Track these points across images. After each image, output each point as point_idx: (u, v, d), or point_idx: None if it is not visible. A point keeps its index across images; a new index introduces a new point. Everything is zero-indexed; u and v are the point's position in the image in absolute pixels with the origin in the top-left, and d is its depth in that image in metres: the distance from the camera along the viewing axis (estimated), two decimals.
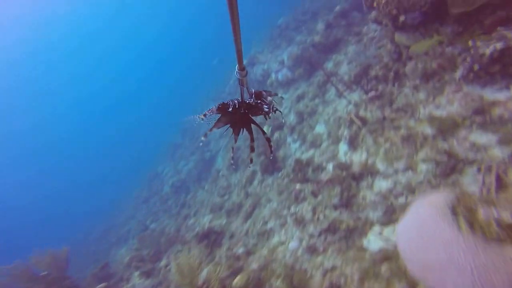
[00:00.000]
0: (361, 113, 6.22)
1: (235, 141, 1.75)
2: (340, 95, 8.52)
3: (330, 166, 5.80)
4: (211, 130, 1.64)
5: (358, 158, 5.33)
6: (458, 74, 4.22)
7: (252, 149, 1.75)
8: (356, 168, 5.12)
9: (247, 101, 1.62)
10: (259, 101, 1.66)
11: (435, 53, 5.03)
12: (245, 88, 1.44)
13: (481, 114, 3.75)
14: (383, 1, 4.76)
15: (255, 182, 9.44)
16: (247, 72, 1.23)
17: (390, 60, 6.48)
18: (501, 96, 3.77)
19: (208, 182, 13.03)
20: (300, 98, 10.81)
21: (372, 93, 5.93)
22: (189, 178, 15.30)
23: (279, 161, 9.14)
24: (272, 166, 9.05)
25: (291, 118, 9.93)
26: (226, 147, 13.86)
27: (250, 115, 1.68)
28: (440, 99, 4.74)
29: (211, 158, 14.99)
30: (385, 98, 5.83)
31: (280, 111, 1.74)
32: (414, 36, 5.29)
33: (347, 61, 9.83)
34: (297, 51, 12.07)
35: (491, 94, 4.00)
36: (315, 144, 7.91)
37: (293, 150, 8.95)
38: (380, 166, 4.78)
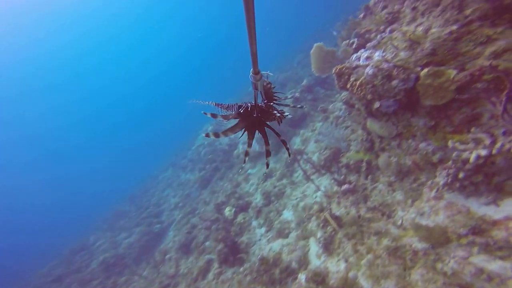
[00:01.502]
0: (334, 207, 5.73)
1: (250, 145, 1.69)
2: (307, 179, 8.19)
3: (302, 278, 4.92)
4: (226, 135, 1.57)
5: (335, 268, 4.57)
6: (441, 180, 3.96)
7: (268, 154, 1.75)
8: (334, 283, 4.31)
9: (260, 105, 1.64)
10: (271, 105, 1.69)
11: (409, 147, 4.90)
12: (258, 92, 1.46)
13: (480, 235, 3.35)
14: (357, 84, 4.66)
15: (210, 275, 8.04)
16: (261, 75, 1.25)
17: (361, 148, 6.35)
18: (492, 212, 3.47)
19: (150, 265, 11.06)
20: (267, 176, 10.40)
21: (345, 187, 5.54)
22: (128, 254, 12.78)
23: (241, 248, 8.03)
24: (233, 255, 7.88)
25: (258, 199, 9.24)
26: (180, 222, 12.41)
27: (263, 119, 1.69)
28: (420, 204, 4.40)
29: (160, 232, 13.17)
30: (359, 194, 5.45)
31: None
32: (387, 126, 5.19)
33: (315, 139, 9.91)
34: None
35: (478, 207, 3.71)
36: (282, 233, 7.11)
37: (259, 236, 8.00)
38: (364, 283, 4.03)
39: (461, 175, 3.67)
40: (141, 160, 29.13)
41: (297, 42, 24.20)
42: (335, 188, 6.23)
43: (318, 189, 7.07)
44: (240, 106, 1.68)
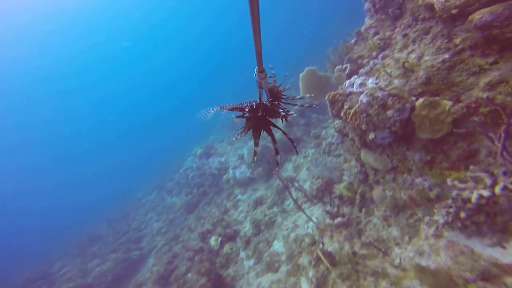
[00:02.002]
0: (327, 241, 5.39)
1: (257, 144, 1.65)
2: (299, 208, 7.86)
3: None
4: (238, 136, 1.63)
5: None
6: (441, 219, 3.71)
7: (277, 152, 1.70)
8: None
9: (264, 103, 1.66)
10: (276, 103, 1.72)
11: (405, 182, 4.69)
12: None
13: (492, 281, 3.06)
14: (351, 113, 4.49)
15: None
16: (266, 74, 1.26)
17: (355, 180, 6.13)
18: (500, 255, 3.21)
19: None
20: (257, 203, 10.01)
21: (339, 220, 5.23)
22: (97, 284, 11.51)
23: (227, 283, 7.48)
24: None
25: (247, 228, 8.78)
26: (162, 250, 11.69)
27: (268, 118, 1.69)
28: (418, 242, 4.11)
29: (139, 260, 12.31)
30: (353, 228, 5.14)
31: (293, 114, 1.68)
32: (382, 158, 5.00)
33: (307, 166, 9.70)
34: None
35: (482, 249, 3.45)
36: (272, 266, 6.65)
37: (247, 269, 7.49)
38: None
39: (462, 214, 3.44)
40: (126, 180, 28.14)
41: (290, 63, 24.62)
42: (328, 220, 5.91)
43: (310, 219, 6.73)
44: (245, 106, 1.68)
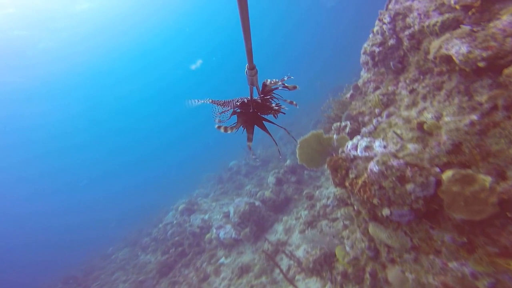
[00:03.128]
0: None
1: (250, 139, 1.70)
2: (290, 283, 6.56)
3: None
4: (231, 130, 1.63)
5: None
6: None
7: (276, 144, 1.80)
8: None
9: (256, 99, 1.66)
10: (267, 98, 1.71)
11: (433, 265, 3.66)
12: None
13: None
14: (359, 184, 3.61)
15: None
16: (256, 71, 1.28)
17: (362, 255, 5.07)
18: None
19: None
20: (243, 270, 8.56)
21: None
22: None
23: None
24: None
25: None
26: None
27: (259, 114, 1.70)
28: None
29: None
30: None
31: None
32: (397, 236, 4.01)
33: (300, 230, 8.56)
34: (244, 207, 10.72)
35: None
36: None
37: None
38: None
39: None
40: (99, 233, 25.41)
41: (279, 120, 24.56)
42: None
43: None
44: (236, 101, 1.67)
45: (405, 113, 4.02)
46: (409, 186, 2.94)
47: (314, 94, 22.00)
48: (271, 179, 11.46)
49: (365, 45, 5.37)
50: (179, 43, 49.65)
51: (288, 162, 11.73)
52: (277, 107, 1.67)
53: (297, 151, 4.67)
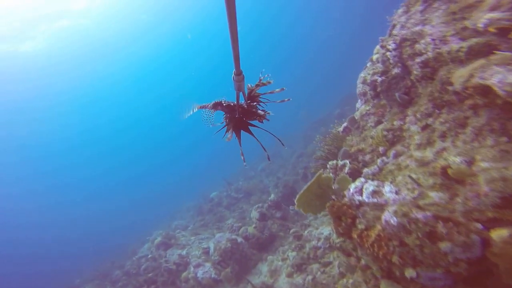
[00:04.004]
0: None
1: (240, 143, 1.72)
2: None
3: None
4: (228, 138, 1.66)
5: None
6: None
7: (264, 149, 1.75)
8: None
9: (241, 105, 1.65)
10: (253, 105, 1.70)
11: None
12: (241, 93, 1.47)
13: None
14: (372, 238, 2.79)
15: None
16: (243, 76, 1.27)
17: None
18: None
19: None
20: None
21: None
22: None
23: None
24: None
25: None
26: None
27: (245, 119, 1.70)
28: None
29: None
30: None
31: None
32: None
33: (287, 273, 7.54)
34: (226, 244, 9.59)
35: None
36: None
37: None
38: None
39: None
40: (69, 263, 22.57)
41: (259, 148, 23.88)
42: None
43: None
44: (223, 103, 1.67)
45: (417, 154, 3.38)
46: (444, 245, 2.20)
47: (298, 124, 21.70)
48: (254, 214, 10.49)
49: (363, 74, 4.86)
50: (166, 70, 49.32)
51: (272, 196, 10.85)
52: (262, 113, 1.64)
53: (296, 201, 3.85)
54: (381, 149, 3.91)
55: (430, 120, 3.35)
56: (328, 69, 39.91)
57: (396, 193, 3.20)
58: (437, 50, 3.08)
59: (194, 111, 1.73)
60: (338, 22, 40.83)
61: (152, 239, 14.10)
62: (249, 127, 1.73)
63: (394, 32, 3.77)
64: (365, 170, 3.98)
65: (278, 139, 1.76)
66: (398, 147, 3.71)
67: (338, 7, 37.66)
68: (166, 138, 57.28)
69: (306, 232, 8.23)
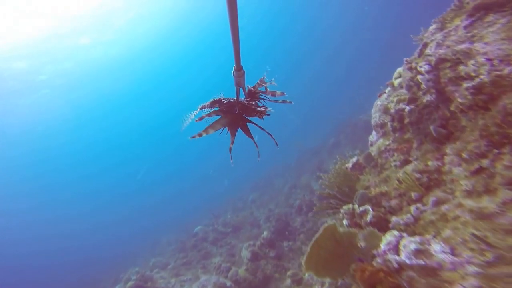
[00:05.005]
0: None
1: (232, 142, 1.68)
2: None
3: None
4: (208, 132, 1.52)
5: None
6: None
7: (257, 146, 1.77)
8: None
9: (241, 101, 1.63)
10: (253, 102, 1.68)
11: None
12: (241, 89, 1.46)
13: None
14: None
15: None
16: (244, 72, 1.26)
17: None
18: None
19: None
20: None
21: None
22: None
23: None
24: None
25: None
26: None
27: (245, 116, 1.67)
28: None
29: None
30: None
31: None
32: None
33: None
34: None
35: None
36: None
37: None
38: None
39: None
40: None
41: (248, 177, 22.76)
42: None
43: None
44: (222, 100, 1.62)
45: (470, 203, 2.56)
46: None
47: (290, 153, 20.94)
48: (245, 254, 9.26)
49: (380, 102, 4.14)
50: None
51: (265, 234, 9.71)
52: (262, 109, 1.62)
53: (304, 259, 2.87)
54: (414, 194, 3.06)
55: (485, 162, 2.56)
56: (320, 96, 39.68)
57: (453, 253, 2.32)
58: (496, 72, 2.37)
59: (192, 117, 1.59)
60: (331, 50, 41.54)
61: (126, 279, 12.34)
62: (247, 124, 1.70)
63: (427, 51, 3.09)
64: (394, 219, 3.10)
65: (273, 138, 1.79)
66: (439, 193, 2.88)
67: (334, 36, 38.44)
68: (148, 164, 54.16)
69: (307, 274, 7.08)
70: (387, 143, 3.94)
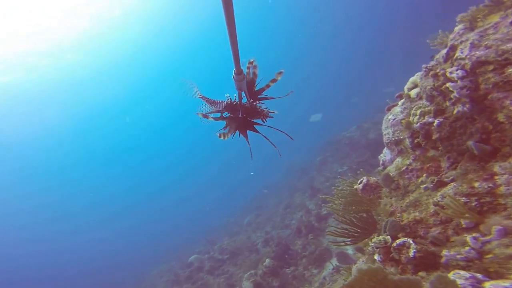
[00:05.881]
0: None
1: (248, 143, 1.70)
2: None
3: None
4: (224, 137, 1.57)
5: None
6: None
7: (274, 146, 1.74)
8: None
9: (244, 104, 1.59)
10: (256, 104, 1.63)
11: None
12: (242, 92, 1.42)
13: None
14: None
15: None
16: (244, 75, 1.18)
17: None
18: None
19: None
20: None
21: None
22: None
23: None
24: None
25: None
26: None
27: (248, 119, 1.65)
28: None
29: None
30: None
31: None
32: None
33: None
34: None
35: None
36: None
37: None
38: None
39: None
40: None
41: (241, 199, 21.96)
42: None
43: None
44: (224, 103, 1.64)
45: None
46: None
47: (276, 171, 20.37)
48: (247, 285, 8.36)
49: (394, 116, 3.62)
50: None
51: (267, 262, 8.87)
52: (265, 111, 1.60)
53: None
54: (464, 222, 2.49)
55: None
56: (303, 111, 39.54)
57: None
58: None
59: (195, 95, 1.65)
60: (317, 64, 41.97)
61: None
62: (253, 126, 1.69)
63: (459, 54, 2.62)
64: (445, 253, 2.48)
65: (286, 134, 1.77)
66: (503, 221, 2.30)
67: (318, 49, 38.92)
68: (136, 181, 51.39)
69: None
70: (407, 162, 3.39)
